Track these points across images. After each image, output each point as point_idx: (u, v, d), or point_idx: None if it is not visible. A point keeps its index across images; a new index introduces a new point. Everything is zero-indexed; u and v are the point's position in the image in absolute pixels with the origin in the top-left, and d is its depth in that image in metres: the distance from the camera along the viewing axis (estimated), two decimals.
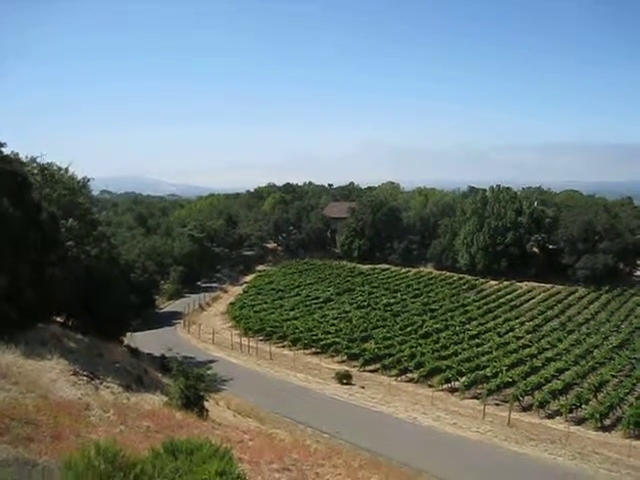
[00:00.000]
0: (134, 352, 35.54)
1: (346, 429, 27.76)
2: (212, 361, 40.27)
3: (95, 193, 78.24)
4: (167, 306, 64.78)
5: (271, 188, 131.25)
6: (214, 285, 74.87)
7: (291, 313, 55.83)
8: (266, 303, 60.62)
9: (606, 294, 67.16)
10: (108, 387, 19.58)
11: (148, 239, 77.76)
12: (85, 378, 18.54)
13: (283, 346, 47.18)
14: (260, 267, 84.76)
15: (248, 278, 77.72)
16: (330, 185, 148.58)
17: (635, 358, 43.87)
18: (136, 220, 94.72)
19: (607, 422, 31.91)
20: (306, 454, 14.73)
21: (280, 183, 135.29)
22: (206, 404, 21.68)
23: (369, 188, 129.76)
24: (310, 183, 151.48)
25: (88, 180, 38.78)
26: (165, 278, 70.59)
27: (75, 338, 27.50)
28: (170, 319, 57.68)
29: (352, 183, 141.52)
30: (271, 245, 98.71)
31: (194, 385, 20.78)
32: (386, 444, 25.88)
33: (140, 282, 55.15)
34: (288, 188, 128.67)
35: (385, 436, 27.55)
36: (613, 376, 38.98)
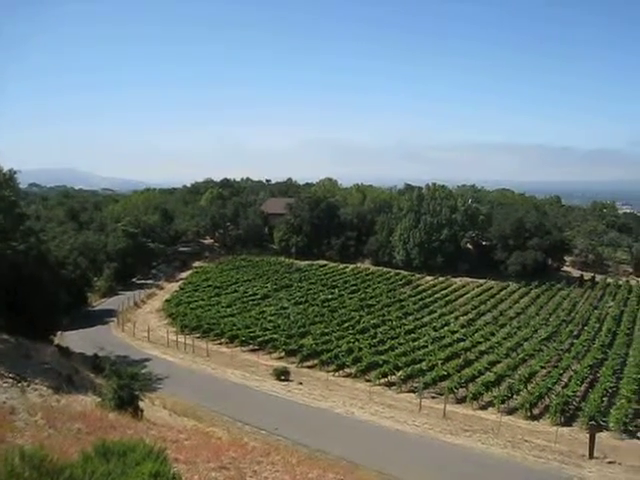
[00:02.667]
0: (65, 352, 34.31)
1: (284, 425, 27.68)
2: (147, 359, 39.39)
3: (23, 186, 75.27)
4: (100, 304, 62.89)
5: (208, 183, 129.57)
6: (150, 282, 73.24)
7: (228, 310, 55.26)
8: (203, 300, 59.78)
9: (535, 289, 69.69)
10: (36, 389, 18.79)
11: (80, 234, 75.33)
12: (10, 380, 17.76)
13: (220, 343, 46.66)
14: (197, 263, 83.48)
15: (184, 274, 76.47)
16: (268, 181, 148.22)
17: (562, 349, 45.78)
18: (67, 215, 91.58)
19: (536, 411, 33.14)
20: (244, 452, 14.57)
21: (217, 178, 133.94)
22: (141, 404, 21.16)
23: (307, 184, 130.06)
24: (248, 179, 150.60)
25: (15, 172, 37.02)
26: (98, 275, 68.53)
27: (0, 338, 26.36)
28: (103, 317, 56.02)
29: (290, 179, 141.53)
30: (208, 241, 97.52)
31: (128, 384, 20.25)
32: (324, 439, 25.98)
33: (72, 279, 53.39)
34: (226, 183, 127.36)
35: (323, 431, 27.64)
36: (542, 367, 40.48)
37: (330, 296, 61.61)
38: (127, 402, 19.49)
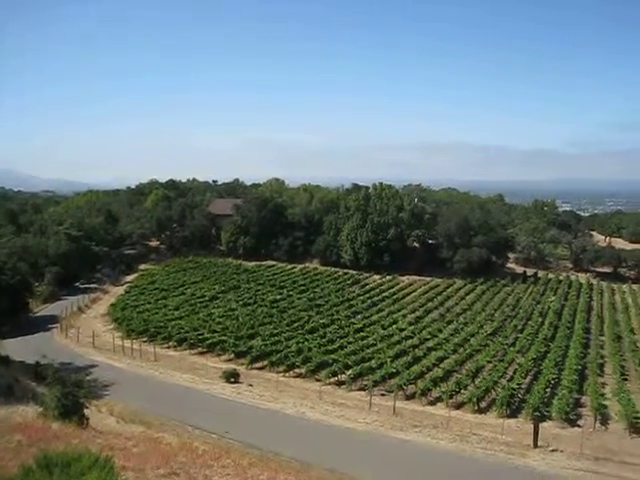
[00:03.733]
0: (4, 360, 33.09)
1: (235, 428, 27.46)
2: (93, 366, 38.51)
3: None
4: (42, 310, 60.88)
5: (153, 184, 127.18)
6: (94, 286, 71.35)
7: (176, 313, 54.39)
8: (149, 303, 58.67)
9: (481, 285, 71.27)
10: None
11: (19, 238, 72.87)
12: None
13: (168, 347, 45.88)
14: (143, 266, 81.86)
15: (130, 278, 74.87)
16: (215, 181, 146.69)
17: (507, 344, 46.97)
18: (5, 217, 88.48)
19: (483, 404, 33.98)
20: (194, 456, 14.40)
21: (163, 179, 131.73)
22: (86, 412, 20.62)
23: (254, 185, 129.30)
24: (194, 180, 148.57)
25: None
26: (39, 280, 66.35)
27: None
28: (46, 323, 54.24)
29: (237, 180, 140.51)
30: (154, 243, 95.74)
31: (72, 392, 19.69)
32: (275, 440, 25.90)
33: (10, 285, 51.50)
34: (171, 184, 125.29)
35: (274, 433, 27.57)
36: (488, 362, 41.50)
37: (279, 297, 61.41)
38: (71, 411, 18.93)
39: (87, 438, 14.73)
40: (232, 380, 36.85)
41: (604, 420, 31.85)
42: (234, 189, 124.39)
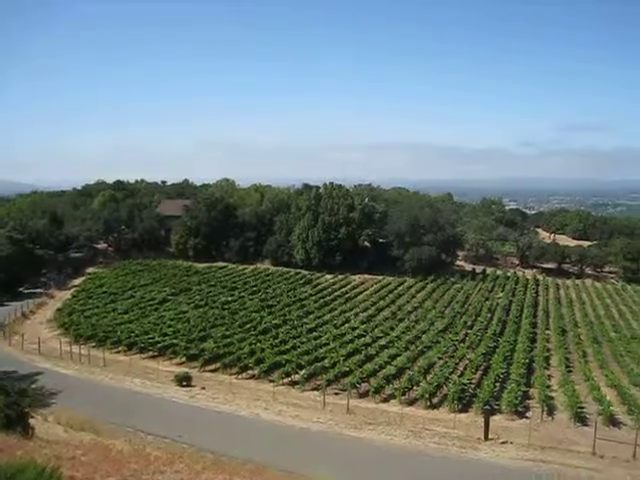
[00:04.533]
0: None
1: (188, 432, 27.09)
2: (38, 373, 37.28)
3: None
4: None
5: (100, 185, 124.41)
6: (39, 291, 69.14)
7: (125, 316, 53.25)
8: (98, 307, 57.26)
9: (431, 283, 72.42)
10: None
11: None
12: None
13: (118, 352, 44.85)
14: (90, 269, 79.82)
15: (77, 282, 72.91)
16: (164, 182, 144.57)
17: (457, 340, 47.83)
18: None
19: (435, 400, 34.52)
20: (146, 463, 14.13)
21: (110, 180, 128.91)
22: (32, 421, 19.98)
23: (204, 185, 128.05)
24: (142, 180, 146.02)
25: None
26: None
27: None
28: None
29: (187, 180, 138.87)
30: (102, 246, 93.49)
31: (16, 402, 19.03)
32: (230, 443, 25.69)
33: None
34: (119, 185, 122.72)
35: (228, 435, 27.34)
36: (439, 358, 42.24)
37: (230, 298, 60.91)
38: (16, 421, 18.31)
39: (32, 449, 14.25)
40: (184, 383, 36.34)
41: (550, 411, 32.86)
42: (184, 190, 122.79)
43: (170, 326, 49.28)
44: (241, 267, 78.72)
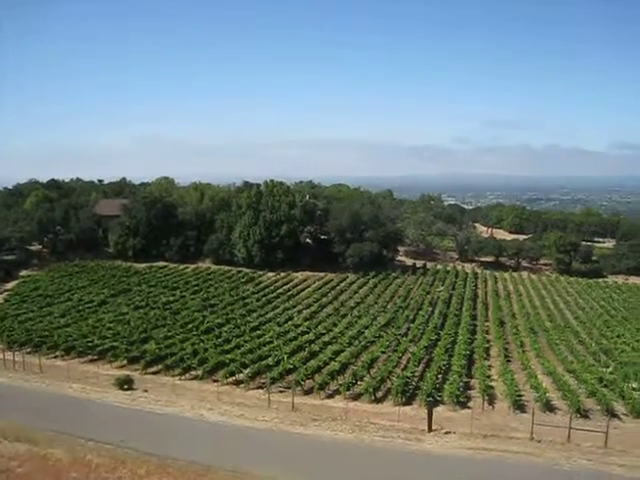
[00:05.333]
0: None
1: (131, 436, 26.42)
2: None
3: None
4: None
5: (33, 185, 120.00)
6: None
7: (62, 320, 51.63)
8: (32, 311, 55.24)
9: (373, 279, 73.15)
10: None
11: None
12: None
13: (55, 357, 43.43)
14: (24, 272, 76.90)
15: (10, 285, 70.13)
16: (100, 181, 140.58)
17: (400, 334, 48.54)
18: None
19: (380, 394, 35.07)
20: (87, 470, 13.74)
21: (44, 179, 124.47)
22: None
23: (143, 184, 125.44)
24: (78, 179, 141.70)
25: None
26: None
27: None
28: None
29: (124, 179, 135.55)
30: (36, 248, 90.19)
31: None
32: (174, 446, 25.24)
33: None
34: (53, 185, 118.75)
35: (173, 437, 26.86)
36: (382, 352, 42.77)
37: (172, 298, 59.93)
38: None
39: None
40: (126, 387, 35.51)
41: (491, 400, 33.90)
42: (122, 189, 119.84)
43: (110, 328, 48.12)
44: (182, 266, 77.54)
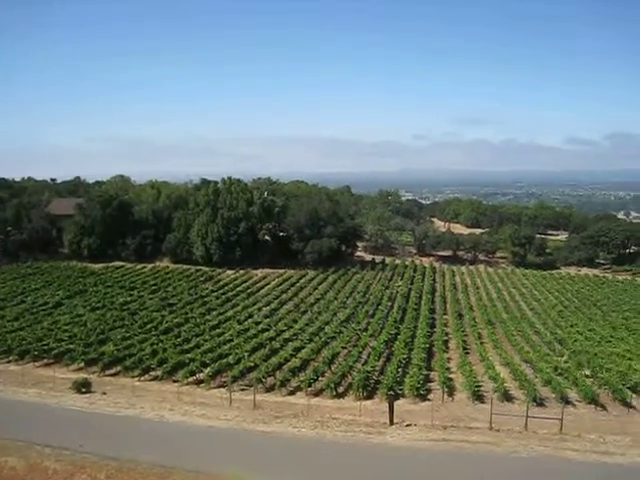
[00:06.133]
0: None
1: (90, 441, 25.87)
2: None
3: None
4: None
5: None
6: None
7: (15, 323, 50.10)
8: None
9: (332, 274, 73.41)
10: None
11: None
12: None
13: (9, 361, 42.13)
14: None
15: None
16: (53, 180, 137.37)
17: (360, 329, 48.85)
18: None
19: (341, 389, 35.27)
20: (44, 477, 13.43)
21: None
22: None
23: (98, 182, 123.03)
24: (30, 178, 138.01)
25: None
26: None
27: None
28: None
29: (79, 178, 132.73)
30: None
31: None
32: (135, 448, 24.82)
33: None
34: (3, 184, 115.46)
35: (133, 440, 26.42)
36: (343, 348, 43.06)
37: (129, 298, 58.97)
38: None
39: None
40: (84, 390, 34.77)
41: (451, 392, 34.52)
42: (76, 188, 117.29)
43: (66, 331, 47.01)
44: (139, 266, 76.38)
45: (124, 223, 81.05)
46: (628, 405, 32.94)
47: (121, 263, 77.86)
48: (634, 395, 34.08)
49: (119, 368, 39.03)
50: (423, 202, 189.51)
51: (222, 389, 35.39)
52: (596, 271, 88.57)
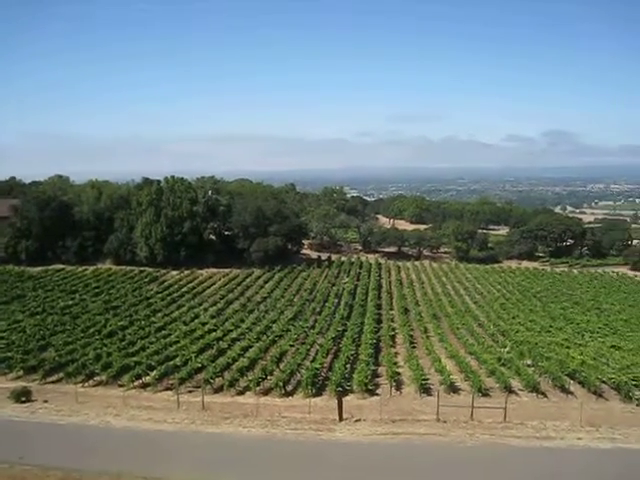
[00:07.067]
0: None
1: (31, 452, 24.93)
2: None
3: None
4: None
5: None
6: None
7: None
8: None
9: (279, 273, 73.28)
10: None
11: None
12: None
13: None
14: None
15: None
16: None
17: (307, 327, 48.95)
18: None
19: (290, 387, 35.22)
20: None
21: None
22: None
23: (35, 183, 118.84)
24: None
25: None
26: None
27: None
28: None
29: (14, 178, 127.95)
30: None
31: None
32: (80, 456, 24.17)
33: None
34: None
35: (78, 448, 25.66)
36: (291, 346, 43.09)
37: (70, 302, 57.25)
38: None
39: None
40: (23, 399, 33.45)
41: (399, 386, 35.07)
42: (11, 188, 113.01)
43: (3, 338, 45.21)
44: (81, 269, 74.29)
45: (64, 224, 78.68)
46: (566, 391, 34.41)
47: (61, 266, 75.52)
48: (572, 381, 35.70)
49: (61, 375, 37.74)
50: (368, 199, 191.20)
51: (169, 392, 34.82)
52: (536, 264, 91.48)
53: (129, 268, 74.58)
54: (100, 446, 26.02)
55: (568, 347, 43.98)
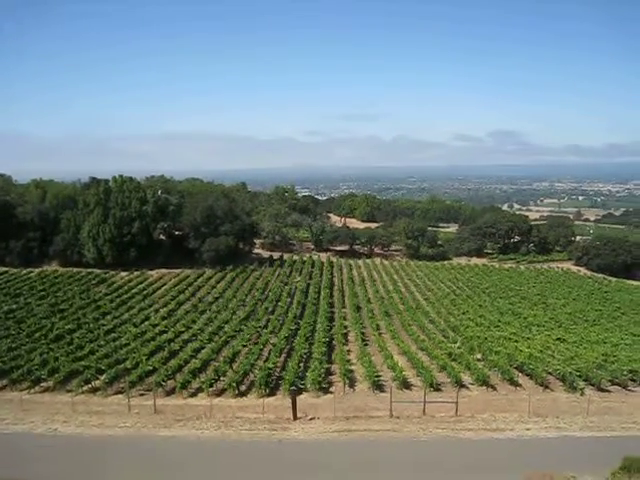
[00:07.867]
0: None
1: None
2: None
3: None
4: None
5: None
6: None
7: None
8: None
9: (230, 273, 72.75)
10: None
11: None
12: None
13: None
14: None
15: None
16: None
17: (260, 326, 48.75)
18: None
19: (243, 388, 35.02)
20: None
21: None
22: None
23: None
24: None
25: None
26: None
27: None
28: None
29: None
30: None
31: None
32: (24, 467, 23.25)
33: None
34: None
35: (21, 459, 24.73)
36: (244, 346, 42.84)
37: (15, 306, 55.44)
38: None
39: None
40: None
41: (352, 383, 35.22)
42: None
43: None
44: (25, 271, 72.01)
45: (6, 225, 76.11)
46: (515, 384, 35.34)
47: (4, 268, 73.04)
48: (520, 374, 36.67)
49: (5, 381, 36.41)
50: (319, 198, 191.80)
51: (120, 396, 34.05)
52: (484, 260, 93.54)
53: (76, 270, 72.71)
54: (47, 454, 25.22)
55: (516, 341, 45.16)
